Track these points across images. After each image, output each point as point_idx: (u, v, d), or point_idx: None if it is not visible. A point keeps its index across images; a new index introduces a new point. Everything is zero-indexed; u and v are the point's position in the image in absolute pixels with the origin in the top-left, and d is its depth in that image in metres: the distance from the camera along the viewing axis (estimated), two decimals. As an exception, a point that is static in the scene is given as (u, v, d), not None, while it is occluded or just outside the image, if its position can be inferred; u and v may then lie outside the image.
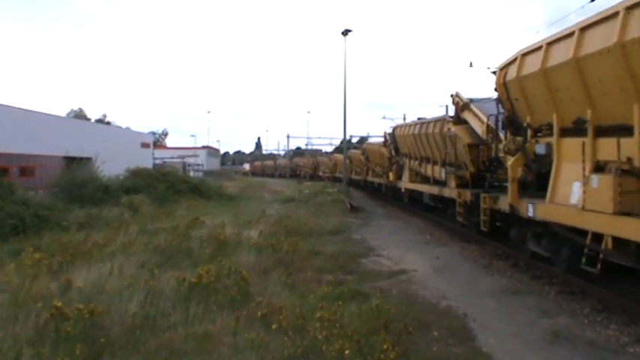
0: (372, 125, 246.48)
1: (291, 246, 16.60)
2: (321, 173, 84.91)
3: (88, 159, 40.19)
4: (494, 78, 15.91)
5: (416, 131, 27.88)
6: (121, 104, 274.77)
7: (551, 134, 13.40)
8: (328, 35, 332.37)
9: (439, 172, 24.82)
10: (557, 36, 12.44)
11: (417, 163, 28.94)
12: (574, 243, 12.22)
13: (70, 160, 39.00)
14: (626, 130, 10.33)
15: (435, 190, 24.96)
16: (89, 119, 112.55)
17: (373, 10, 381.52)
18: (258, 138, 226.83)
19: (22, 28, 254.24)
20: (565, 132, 12.81)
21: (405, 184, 31.58)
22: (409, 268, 15.80)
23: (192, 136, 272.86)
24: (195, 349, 8.43)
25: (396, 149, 33.49)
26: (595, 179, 10.99)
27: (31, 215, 22.21)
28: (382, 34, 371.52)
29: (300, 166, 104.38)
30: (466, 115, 21.21)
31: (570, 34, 11.66)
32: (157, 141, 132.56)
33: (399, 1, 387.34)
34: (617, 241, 10.41)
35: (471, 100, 21.02)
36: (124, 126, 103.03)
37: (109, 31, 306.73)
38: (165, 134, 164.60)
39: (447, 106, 24.38)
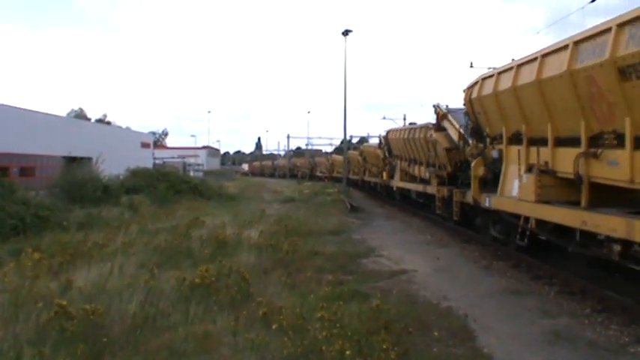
0: (373, 125, 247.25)
1: (291, 246, 16.61)
2: (318, 173, 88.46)
3: (89, 159, 40.21)
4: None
5: (405, 136, 30.98)
6: (122, 104, 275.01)
7: (502, 142, 16.69)
8: (329, 36, 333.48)
9: (424, 172, 27.64)
10: (504, 68, 15.99)
11: (406, 164, 31.77)
12: (516, 226, 15.68)
13: (71, 160, 39.03)
14: (544, 141, 13.76)
15: (420, 187, 28.30)
16: (89, 119, 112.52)
17: (374, 10, 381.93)
18: (259, 138, 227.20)
19: (22, 28, 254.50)
20: (510, 141, 16.14)
21: (397, 182, 34.48)
22: (409, 268, 15.81)
23: (193, 136, 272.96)
24: (196, 349, 8.42)
25: (389, 151, 36.18)
26: (525, 177, 14.58)
27: (31, 215, 22.20)
28: (383, 35, 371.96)
29: (298, 167, 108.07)
30: (445, 124, 24.26)
31: (511, 68, 15.21)
32: (157, 141, 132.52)
33: (400, 2, 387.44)
34: (538, 221, 14.16)
35: (449, 111, 24.09)
36: (124, 126, 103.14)
37: (110, 31, 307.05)
38: (165, 134, 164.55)
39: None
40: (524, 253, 15.70)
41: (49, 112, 49.81)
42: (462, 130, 21.82)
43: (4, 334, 8.34)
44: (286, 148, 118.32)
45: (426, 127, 27.04)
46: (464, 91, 19.32)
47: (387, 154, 37.14)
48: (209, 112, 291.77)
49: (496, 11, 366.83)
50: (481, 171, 18.31)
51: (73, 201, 30.24)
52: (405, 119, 70.10)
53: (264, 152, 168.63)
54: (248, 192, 56.44)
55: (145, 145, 67.63)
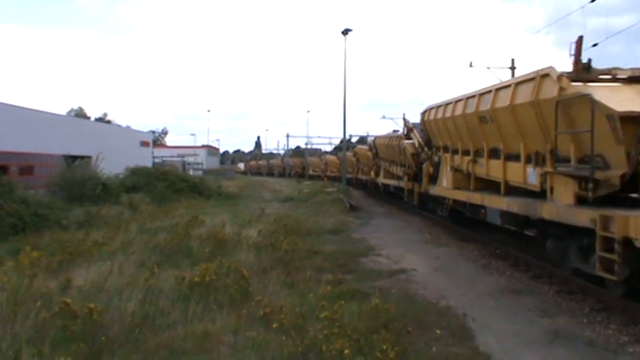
0: (372, 124, 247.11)
1: (291, 245, 16.61)
2: (310, 172, 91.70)
3: (88, 158, 40.20)
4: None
5: (386, 142, 37.53)
6: (121, 103, 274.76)
7: (440, 151, 23.81)
8: (328, 35, 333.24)
9: (399, 171, 33.67)
10: (439, 105, 22.70)
11: (388, 164, 37.88)
12: (448, 205, 22.81)
13: (70, 159, 38.99)
14: (457, 152, 21.05)
15: (396, 182, 35.12)
16: (89, 118, 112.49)
17: (373, 9, 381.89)
18: (258, 137, 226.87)
19: (22, 27, 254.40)
20: (444, 150, 23.04)
21: (381, 179, 41.24)
22: (408, 267, 15.84)
23: (192, 135, 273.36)
24: (195, 348, 8.43)
25: (376, 154, 42.50)
26: (448, 174, 21.96)
27: (30, 214, 22.18)
28: (382, 34, 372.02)
29: (291, 166, 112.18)
30: (411, 135, 31.08)
31: (440, 106, 22.34)
32: (157, 140, 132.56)
33: (400, 1, 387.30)
34: (454, 201, 21.57)
35: (414, 125, 30.92)
36: (123, 125, 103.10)
37: (110, 30, 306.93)
38: (164, 133, 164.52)
39: (413, 122, 31.98)
40: (446, 221, 24.19)
41: (49, 111, 49.76)
42: (421, 141, 28.28)
43: (3, 332, 8.32)
44: (285, 148, 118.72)
45: (399, 136, 33.88)
46: (421, 114, 25.98)
47: (374, 156, 43.51)
48: (209, 111, 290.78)
49: (495, 11, 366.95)
50: (430, 170, 25.52)
51: (73, 200, 30.23)
52: (404, 118, 69.94)
53: (264, 151, 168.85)
54: (247, 191, 56.45)
55: (144, 144, 67.63)
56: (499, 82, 18.71)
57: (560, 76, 12.79)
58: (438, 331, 9.68)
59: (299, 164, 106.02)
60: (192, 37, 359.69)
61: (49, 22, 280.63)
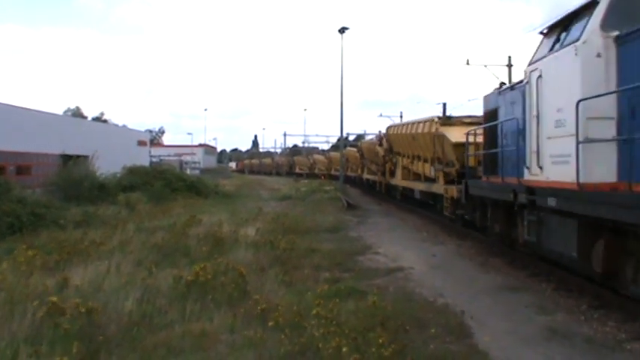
0: (370, 123, 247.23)
1: (288, 243, 16.62)
2: (297, 170, 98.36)
3: (85, 157, 40.18)
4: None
5: (368, 146, 46.79)
6: (118, 102, 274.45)
7: (397, 155, 34.81)
8: (325, 33, 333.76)
9: (375, 168, 43.07)
10: (397, 125, 36.20)
11: (369, 163, 46.85)
12: (399, 190, 35.07)
13: (67, 158, 38.99)
14: (405, 156, 32.66)
15: (373, 177, 44.95)
16: (86, 117, 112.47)
17: (370, 7, 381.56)
18: (255, 136, 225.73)
19: (19, 26, 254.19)
20: (398, 155, 34.13)
21: (365, 175, 49.95)
22: (406, 265, 15.83)
23: (189, 134, 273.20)
24: (193, 347, 8.43)
25: (362, 155, 50.22)
26: (400, 171, 33.66)
27: (27, 213, 22.21)
28: (379, 32, 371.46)
29: (280, 165, 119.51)
30: (382, 141, 40.05)
31: (397, 126, 36.00)
32: (154, 139, 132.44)
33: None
34: (403, 187, 33.36)
35: (383, 135, 40.42)
36: (120, 124, 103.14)
37: (107, 30, 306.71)
38: (162, 132, 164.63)
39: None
40: (399, 202, 35.43)
41: (46, 111, 49.80)
42: (386, 147, 38.00)
43: (1, 332, 8.34)
44: (283, 146, 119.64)
45: (375, 142, 43.07)
46: (386, 129, 39.25)
47: (361, 157, 50.82)
48: (206, 109, 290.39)
49: (493, 9, 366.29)
50: (390, 168, 37.26)
51: (70, 199, 30.26)
52: (401, 117, 70.49)
53: (261, 150, 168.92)
54: (245, 190, 56.45)
55: (141, 143, 67.64)
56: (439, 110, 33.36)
57: (436, 121, 25.93)
58: (436, 329, 9.65)
59: (287, 163, 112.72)
60: (189, 36, 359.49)
61: (48, 22, 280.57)
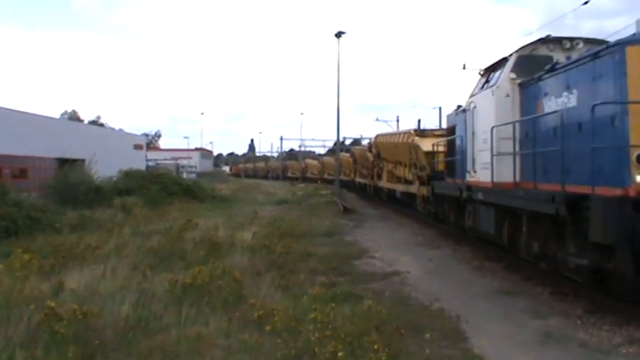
0: (366, 127, 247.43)
1: (285, 248, 16.59)
2: (290, 174, 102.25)
3: (82, 161, 40.15)
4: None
5: (360, 152, 50.63)
6: (115, 106, 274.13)
7: (384, 161, 37.75)
8: (322, 37, 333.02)
9: (366, 172, 46.79)
10: (384, 133, 41.16)
11: (361, 167, 50.03)
12: (385, 192, 39.07)
13: (63, 162, 38.97)
14: (389, 162, 36.47)
15: (364, 180, 48.29)
16: (82, 121, 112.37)
17: (367, 12, 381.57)
18: (252, 140, 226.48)
19: (15, 29, 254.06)
20: (384, 160, 37.48)
21: (357, 179, 53.00)
22: (402, 269, 15.85)
23: (186, 137, 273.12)
24: (188, 351, 8.42)
25: (355, 161, 53.38)
26: (385, 174, 37.20)
27: (23, 217, 22.17)
28: (376, 37, 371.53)
29: (273, 169, 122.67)
30: (372, 148, 43.02)
31: (384, 135, 39.60)
32: (150, 142, 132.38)
33: (394, 4, 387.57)
34: (390, 191, 36.75)
35: (371, 144, 44.35)
36: (117, 127, 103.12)
37: (104, 33, 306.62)
38: (158, 136, 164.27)
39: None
40: (384, 202, 39.85)
41: (42, 114, 49.80)
42: (375, 153, 41.45)
43: (-4, 336, 8.33)
44: (279, 150, 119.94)
45: (366, 149, 47.28)
46: (375, 137, 42.60)
47: (354, 162, 53.72)
48: (202, 113, 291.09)
49: (489, 13, 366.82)
50: (378, 172, 40.64)
51: (66, 203, 30.19)
52: (398, 121, 70.58)
53: (258, 154, 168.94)
54: (241, 194, 56.43)
55: (137, 147, 67.59)
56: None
57: (412, 133, 30.02)
58: (431, 334, 9.68)
59: (280, 167, 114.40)
60: (186, 39, 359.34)
61: (44, 24, 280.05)
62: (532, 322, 10.76)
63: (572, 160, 11.88)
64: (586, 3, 26.24)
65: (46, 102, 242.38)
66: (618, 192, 10.23)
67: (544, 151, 13.29)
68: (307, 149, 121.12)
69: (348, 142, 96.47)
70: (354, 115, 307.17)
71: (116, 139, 62.72)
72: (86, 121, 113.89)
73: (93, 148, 41.85)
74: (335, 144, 57.31)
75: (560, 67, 13.27)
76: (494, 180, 15.05)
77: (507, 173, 14.46)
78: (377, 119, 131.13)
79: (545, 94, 13.65)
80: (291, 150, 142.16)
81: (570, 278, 12.52)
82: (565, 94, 12.61)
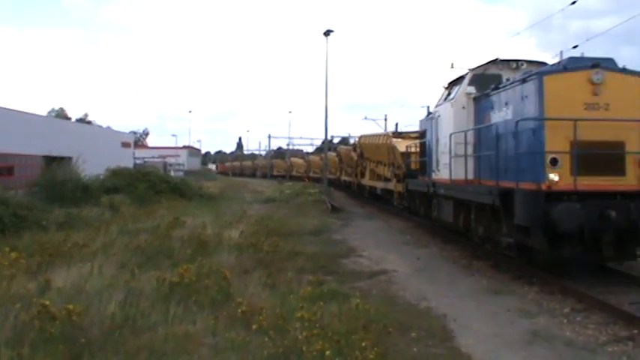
0: (355, 126, 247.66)
1: (272, 246, 16.61)
2: (275, 172, 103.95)
3: (69, 158, 39.97)
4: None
5: (345, 152, 52.34)
6: (103, 103, 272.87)
7: (366, 160, 40.30)
8: (310, 36, 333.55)
9: (350, 171, 49.09)
10: (368, 135, 42.36)
11: (346, 166, 52.28)
12: (367, 189, 41.33)
13: (50, 160, 38.80)
14: (372, 161, 38.73)
15: (349, 178, 49.94)
16: (70, 118, 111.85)
17: (356, 11, 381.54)
18: (240, 138, 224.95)
19: (4, 27, 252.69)
20: (367, 160, 39.86)
21: (342, 177, 54.88)
22: (389, 268, 15.87)
23: (174, 135, 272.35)
24: (176, 350, 8.39)
25: (341, 160, 55.25)
26: (368, 173, 39.82)
27: (9, 215, 21.97)
28: (365, 35, 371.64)
29: (260, 167, 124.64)
30: (356, 148, 45.72)
31: (367, 136, 41.60)
32: (138, 140, 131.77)
33: (382, 3, 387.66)
34: (372, 188, 39.12)
35: (355, 145, 48.27)
36: (105, 125, 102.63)
37: (92, 31, 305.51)
38: (146, 134, 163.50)
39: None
40: (370, 199, 40.69)
41: (29, 112, 49.56)
42: (359, 153, 43.83)
43: (-18, 335, 8.29)
44: (267, 148, 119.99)
45: (351, 149, 49.72)
46: (359, 138, 45.65)
47: (340, 161, 55.76)
48: (190, 111, 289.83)
49: (478, 13, 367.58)
50: (361, 170, 42.97)
51: (53, 201, 29.98)
52: (386, 120, 70.64)
53: (245, 152, 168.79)
54: (229, 192, 56.30)
55: (125, 145, 67.37)
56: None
57: (390, 136, 33.75)
58: (419, 332, 9.71)
59: (265, 165, 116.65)
60: (175, 38, 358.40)
61: (32, 22, 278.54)
62: (519, 321, 10.80)
63: (505, 161, 14.89)
64: (574, 3, 26.41)
65: (34, 99, 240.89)
66: (534, 187, 13.19)
67: (487, 155, 16.21)
68: (295, 147, 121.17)
69: (336, 140, 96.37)
70: (343, 114, 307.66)
71: (104, 137, 62.45)
72: (74, 119, 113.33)
73: (80, 145, 41.58)
74: (323, 142, 57.30)
75: (502, 87, 16.19)
76: (452, 178, 18.07)
77: (461, 172, 17.22)
78: (365, 118, 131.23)
79: (492, 108, 16.56)
80: (279, 148, 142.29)
81: (507, 255, 15.35)
82: (504, 108, 15.59)
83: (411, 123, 41.47)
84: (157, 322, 9.59)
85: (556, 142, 13.19)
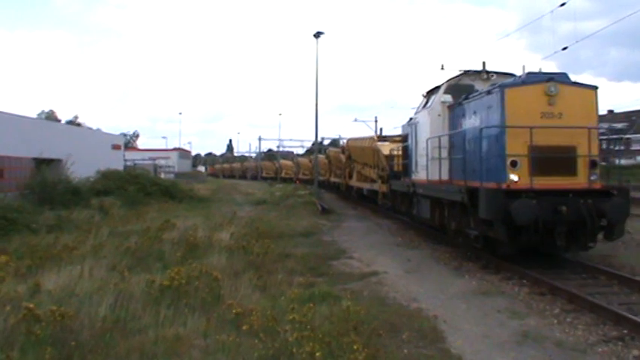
0: (345, 127, 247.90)
1: (263, 248, 16.58)
2: (264, 174, 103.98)
3: (59, 161, 39.85)
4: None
5: (334, 154, 53.26)
6: (93, 106, 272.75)
7: (353, 162, 41.04)
8: (301, 38, 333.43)
9: (339, 173, 49.40)
10: (355, 138, 43.14)
11: (336, 168, 52.60)
12: (354, 190, 42.09)
13: (40, 162, 38.68)
14: (358, 163, 39.49)
15: (338, 180, 50.30)
16: (60, 121, 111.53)
17: (346, 13, 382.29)
18: (230, 140, 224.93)
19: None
20: (354, 161, 40.64)
21: (332, 179, 55.04)
22: (380, 270, 15.87)
23: (164, 137, 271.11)
24: (166, 352, 8.39)
25: (330, 162, 55.72)
26: (355, 174, 40.48)
27: (-1, 218, 21.97)
28: (355, 37, 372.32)
29: (248, 169, 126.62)
30: (345, 151, 45.78)
31: (353, 139, 43.18)
32: (128, 143, 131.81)
33: (372, 5, 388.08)
34: (359, 189, 39.64)
35: (343, 148, 48.67)
36: (95, 128, 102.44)
37: (82, 33, 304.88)
38: (136, 136, 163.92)
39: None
40: (359, 199, 41.05)
41: (19, 114, 49.35)
42: (346, 155, 44.19)
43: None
44: (257, 150, 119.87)
45: (342, 148, 50.38)
46: (347, 141, 46.17)
47: (329, 163, 56.20)
48: (180, 113, 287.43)
49: (468, 14, 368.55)
50: (349, 172, 43.48)
51: (43, 203, 29.95)
52: (376, 122, 70.91)
53: (236, 154, 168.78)
54: (219, 194, 56.24)
55: (115, 147, 67.03)
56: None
57: (375, 139, 36.41)
58: (409, 334, 9.73)
59: (254, 167, 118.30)
60: (164, 40, 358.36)
61: (22, 23, 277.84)
62: (509, 322, 10.83)
63: (472, 164, 16.52)
64: (563, 5, 26.55)
65: (24, 102, 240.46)
66: (496, 185, 15.02)
67: (457, 158, 17.91)
68: (286, 149, 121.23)
69: (326, 142, 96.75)
70: (333, 116, 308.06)
71: (94, 139, 62.13)
72: (64, 121, 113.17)
73: (70, 148, 41.46)
74: (313, 144, 57.51)
75: (471, 97, 17.98)
76: (429, 178, 19.92)
77: (436, 173, 19.07)
78: (355, 120, 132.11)
79: (463, 116, 18.26)
80: (269, 150, 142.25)
81: (476, 247, 16.62)
82: (473, 116, 17.33)
83: (401, 125, 41.34)
84: (147, 324, 9.59)
85: (516, 146, 14.99)
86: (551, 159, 15.02)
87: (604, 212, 14.44)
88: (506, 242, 14.94)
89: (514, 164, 14.98)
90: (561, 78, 15.60)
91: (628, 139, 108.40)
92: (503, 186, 14.86)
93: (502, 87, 15.72)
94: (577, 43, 53.59)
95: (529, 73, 16.26)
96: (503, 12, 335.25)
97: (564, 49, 30.43)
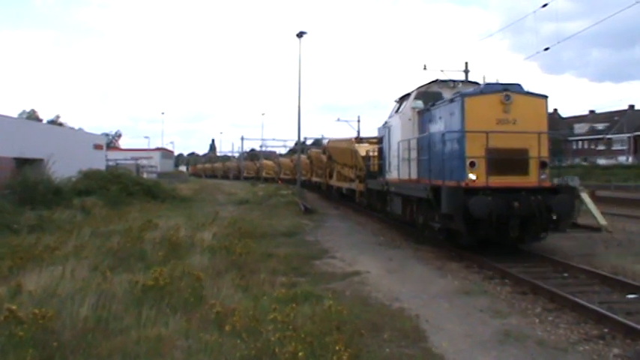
0: (328, 127, 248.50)
1: (245, 248, 16.55)
2: (245, 174, 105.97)
3: (40, 160, 39.64)
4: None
5: (316, 155, 55.22)
6: (75, 105, 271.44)
7: (334, 162, 42.88)
8: (284, 37, 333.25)
9: (321, 173, 51.39)
10: (335, 139, 46.36)
11: (317, 169, 54.81)
12: (334, 189, 43.93)
13: (22, 162, 38.47)
14: (338, 164, 41.34)
15: (319, 179, 52.62)
16: (41, 120, 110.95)
17: (329, 13, 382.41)
18: (212, 140, 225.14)
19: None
20: (335, 162, 42.33)
21: (313, 178, 56.96)
22: (362, 269, 15.88)
23: (146, 137, 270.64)
24: (148, 353, 8.36)
25: (311, 162, 57.71)
26: (335, 174, 42.45)
27: (-21, 218, 21.82)
28: (338, 37, 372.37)
29: (230, 169, 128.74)
30: (326, 152, 47.59)
31: (334, 141, 45.44)
32: (110, 142, 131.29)
33: (356, 4, 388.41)
34: (338, 188, 41.64)
35: (325, 148, 49.99)
36: (76, 127, 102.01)
37: (63, 32, 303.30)
38: (118, 135, 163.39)
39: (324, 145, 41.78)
40: (342, 199, 41.28)
41: (0, 113, 49.06)
42: (327, 156, 46.17)
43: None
44: (240, 150, 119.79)
45: (323, 149, 52.26)
46: (327, 142, 49.43)
47: (311, 163, 58.25)
48: (163, 113, 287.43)
49: (450, 14, 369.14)
50: (330, 172, 45.06)
51: (24, 203, 29.75)
52: (359, 121, 71.22)
53: (219, 154, 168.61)
54: (202, 194, 56.11)
55: (97, 147, 66.73)
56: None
57: (353, 141, 37.31)
58: (391, 333, 9.75)
59: (236, 167, 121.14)
60: (147, 39, 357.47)
61: (4, 23, 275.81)
62: (492, 321, 10.87)
63: (436, 164, 18.37)
64: (545, 6, 26.73)
65: (4, 101, 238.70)
66: (456, 184, 16.76)
67: (424, 159, 19.60)
68: (268, 149, 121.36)
69: (309, 142, 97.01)
70: (316, 116, 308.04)
71: (76, 138, 61.81)
72: (45, 121, 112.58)
73: (52, 147, 41.22)
74: (296, 144, 57.72)
75: (437, 104, 19.84)
76: (400, 178, 22.03)
77: (406, 173, 21.31)
78: (338, 119, 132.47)
79: (430, 121, 20.05)
80: (252, 150, 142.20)
81: (438, 238, 18.70)
82: (439, 121, 19.11)
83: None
84: (129, 325, 9.54)
85: (474, 149, 16.74)
86: (506, 160, 16.86)
87: (552, 207, 16.17)
88: (465, 234, 16.70)
89: (472, 165, 16.77)
90: (515, 88, 17.37)
91: (609, 139, 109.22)
92: (463, 184, 16.63)
93: (463, 96, 17.57)
94: (559, 43, 54.13)
95: (487, 84, 18.58)
96: (485, 12, 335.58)
97: (546, 49, 30.92)
